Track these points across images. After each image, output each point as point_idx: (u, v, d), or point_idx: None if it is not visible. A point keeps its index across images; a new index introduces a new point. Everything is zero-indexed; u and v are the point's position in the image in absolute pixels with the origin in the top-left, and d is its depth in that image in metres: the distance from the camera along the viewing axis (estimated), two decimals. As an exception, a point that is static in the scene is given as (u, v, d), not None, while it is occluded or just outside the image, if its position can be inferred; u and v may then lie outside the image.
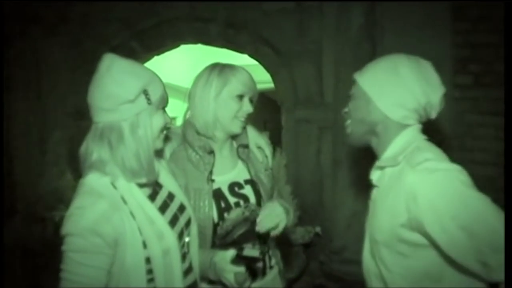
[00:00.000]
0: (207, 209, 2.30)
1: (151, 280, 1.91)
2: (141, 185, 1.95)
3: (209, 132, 2.34)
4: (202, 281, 2.28)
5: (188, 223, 2.12)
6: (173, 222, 2.03)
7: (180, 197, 2.14)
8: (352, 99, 2.04)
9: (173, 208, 2.07)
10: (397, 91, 1.92)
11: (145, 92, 1.85)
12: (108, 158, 1.86)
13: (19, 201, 4.54)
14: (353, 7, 4.11)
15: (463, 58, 3.91)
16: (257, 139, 2.54)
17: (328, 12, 4.30)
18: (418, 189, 1.77)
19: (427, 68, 2.00)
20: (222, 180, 2.37)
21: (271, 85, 4.97)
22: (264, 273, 2.40)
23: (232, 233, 2.34)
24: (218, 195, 2.33)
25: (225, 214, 2.32)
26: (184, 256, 2.07)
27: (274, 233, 2.26)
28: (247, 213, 2.35)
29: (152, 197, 2.00)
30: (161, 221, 1.96)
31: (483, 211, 1.72)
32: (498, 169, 3.77)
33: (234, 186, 2.38)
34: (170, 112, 2.03)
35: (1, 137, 4.36)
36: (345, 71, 3.79)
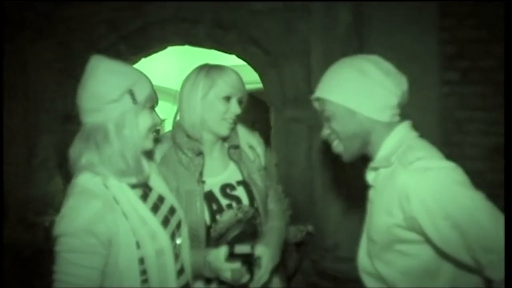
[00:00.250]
0: (199, 211, 2.29)
1: (145, 281, 1.91)
2: (132, 186, 1.94)
3: (197, 134, 2.33)
4: (198, 279, 2.29)
5: (179, 225, 2.12)
6: (164, 224, 2.02)
7: (170, 200, 2.14)
8: (331, 119, 1.96)
9: (163, 210, 2.07)
10: (376, 93, 1.90)
11: (130, 92, 1.85)
12: (96, 158, 1.86)
13: (8, 207, 4.51)
14: (340, 6, 4.12)
15: (450, 55, 3.93)
16: (248, 139, 2.53)
17: (315, 12, 4.30)
18: (410, 190, 1.76)
19: (382, 61, 1.98)
20: (213, 182, 2.37)
21: (259, 85, 4.97)
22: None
23: (226, 236, 2.33)
24: (209, 197, 2.33)
25: (218, 216, 2.32)
26: (176, 258, 2.06)
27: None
28: (240, 215, 2.35)
29: (143, 198, 2.00)
30: (154, 222, 1.96)
31: (475, 211, 1.70)
32: (486, 164, 3.79)
33: (226, 188, 2.37)
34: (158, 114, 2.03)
35: (0, 139, 4.36)
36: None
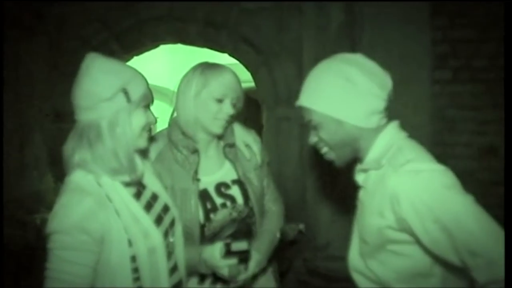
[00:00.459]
0: (194, 209, 2.29)
1: (137, 279, 1.90)
2: (125, 184, 1.94)
3: (191, 132, 2.33)
4: (192, 275, 2.29)
5: (172, 224, 2.12)
6: (157, 222, 2.02)
7: (164, 198, 2.14)
8: (318, 128, 1.94)
9: (157, 208, 2.07)
10: (363, 100, 1.88)
11: (124, 91, 1.85)
12: (88, 156, 1.86)
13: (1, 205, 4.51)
14: (332, 5, 4.12)
15: (442, 54, 3.94)
16: (244, 137, 2.51)
17: (307, 10, 4.30)
18: (401, 192, 1.77)
19: (365, 61, 1.96)
20: (208, 181, 2.36)
21: (251, 84, 4.97)
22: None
23: (220, 234, 2.33)
24: (204, 196, 2.32)
25: (212, 215, 2.31)
26: (169, 256, 2.05)
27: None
28: (234, 214, 2.34)
29: (136, 197, 2.00)
30: (146, 220, 1.95)
31: (463, 215, 1.72)
32: (478, 163, 3.80)
33: (220, 187, 2.37)
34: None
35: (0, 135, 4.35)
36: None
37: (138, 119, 1.92)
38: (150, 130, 2.03)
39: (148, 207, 2.03)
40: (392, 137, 1.93)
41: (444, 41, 3.93)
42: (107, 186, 1.89)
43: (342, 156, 1.97)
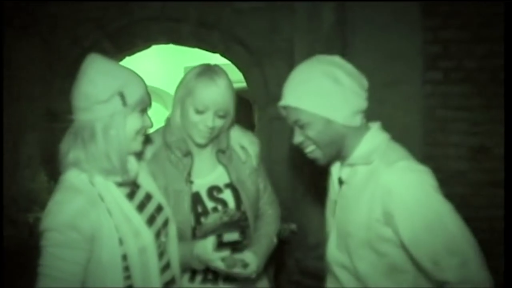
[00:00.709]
0: (186, 211, 2.29)
1: (127, 277, 1.93)
2: (118, 184, 1.96)
3: (180, 134, 2.33)
4: (185, 271, 2.32)
5: (165, 224, 2.14)
6: (149, 221, 2.04)
7: (158, 198, 2.16)
8: (306, 127, 1.98)
9: (150, 208, 2.09)
10: (349, 100, 1.94)
11: (121, 94, 1.87)
12: (82, 156, 1.89)
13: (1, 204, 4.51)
14: (324, 5, 4.12)
15: (433, 54, 3.95)
16: (240, 139, 2.48)
17: (299, 11, 4.31)
18: (394, 186, 1.85)
19: (344, 63, 2.02)
20: (201, 183, 2.35)
21: (243, 84, 4.96)
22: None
23: (212, 234, 2.33)
24: (195, 199, 2.32)
25: (202, 219, 2.32)
26: (160, 255, 2.07)
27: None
28: (225, 218, 2.34)
29: (130, 196, 2.03)
30: (138, 220, 1.98)
31: (446, 216, 1.84)
32: (469, 164, 3.82)
33: (213, 190, 2.36)
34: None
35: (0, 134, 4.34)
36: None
37: (133, 123, 1.93)
38: (145, 133, 2.05)
39: (141, 207, 2.05)
40: (380, 135, 2.02)
41: (436, 41, 3.94)
42: (100, 185, 1.91)
43: (328, 154, 2.02)
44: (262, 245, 2.40)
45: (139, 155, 2.14)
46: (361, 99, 1.97)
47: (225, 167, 2.40)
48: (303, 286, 4.38)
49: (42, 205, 1.89)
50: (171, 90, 8.43)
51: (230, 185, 2.39)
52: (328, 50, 3.96)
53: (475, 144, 3.82)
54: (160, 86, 7.57)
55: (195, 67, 2.33)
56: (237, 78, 4.83)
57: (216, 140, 2.39)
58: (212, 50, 4.89)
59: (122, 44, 4.81)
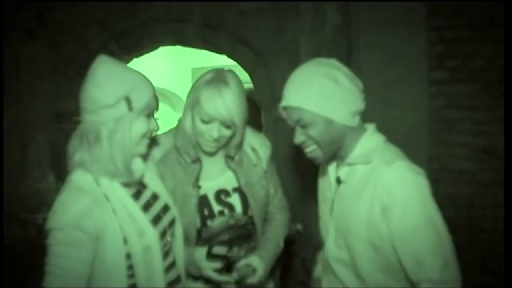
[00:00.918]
0: (192, 214, 2.30)
1: (131, 276, 1.95)
2: (124, 184, 1.98)
3: (188, 140, 2.33)
4: (188, 278, 2.33)
5: (171, 223, 2.15)
6: (155, 221, 2.06)
7: (165, 198, 2.17)
8: (308, 127, 2.02)
9: (156, 208, 2.10)
10: (349, 100, 2.00)
11: (127, 99, 1.88)
12: (87, 157, 1.91)
13: (1, 205, 4.53)
14: (328, 6, 4.12)
15: (439, 54, 3.94)
16: (251, 141, 2.47)
17: (304, 11, 4.31)
18: (393, 184, 1.94)
19: (341, 66, 2.09)
20: (209, 187, 2.36)
21: (250, 85, 4.97)
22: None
23: (216, 238, 2.34)
24: (203, 202, 2.33)
25: (208, 222, 2.32)
26: (165, 255, 2.10)
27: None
28: (231, 222, 2.35)
29: (136, 196, 2.05)
30: (143, 219, 2.00)
31: (435, 218, 1.95)
32: (475, 163, 3.81)
33: (220, 194, 2.37)
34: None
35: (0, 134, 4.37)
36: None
37: (138, 127, 1.94)
38: (150, 136, 2.06)
39: (147, 206, 2.07)
40: (377, 136, 2.10)
41: (441, 41, 3.93)
42: (105, 185, 1.94)
43: (328, 153, 2.07)
44: (269, 249, 2.41)
45: (146, 155, 2.15)
46: (359, 100, 2.03)
47: (234, 171, 2.40)
48: (309, 286, 4.38)
49: (50, 206, 1.92)
50: (179, 91, 8.41)
51: (238, 189, 2.39)
52: (333, 50, 3.98)
53: (481, 143, 3.81)
54: (168, 87, 7.56)
55: (207, 73, 2.28)
56: (244, 79, 4.84)
57: (226, 146, 2.37)
58: (218, 51, 4.89)
59: (128, 46, 4.82)
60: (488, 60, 3.79)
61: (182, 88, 7.47)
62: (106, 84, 1.86)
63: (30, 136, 4.68)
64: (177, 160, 2.35)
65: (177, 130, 2.38)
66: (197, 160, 2.34)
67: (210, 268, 2.23)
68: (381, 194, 1.95)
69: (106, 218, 1.90)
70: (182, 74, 7.51)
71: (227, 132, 2.25)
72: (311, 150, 2.09)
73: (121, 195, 1.98)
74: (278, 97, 4.67)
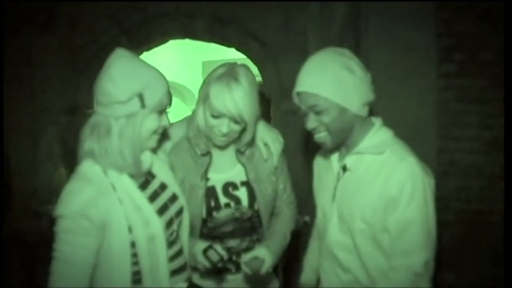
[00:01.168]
0: (198, 205, 2.32)
1: (135, 263, 1.99)
2: (131, 175, 2.00)
3: (200, 132, 2.33)
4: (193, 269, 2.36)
5: (179, 213, 2.17)
6: (162, 211, 2.09)
7: (173, 188, 2.19)
8: (322, 113, 2.04)
9: (163, 197, 2.12)
10: (361, 90, 2.03)
11: (140, 96, 1.89)
12: (96, 148, 1.94)
13: (14, 197, 4.61)
14: (337, -1, 4.13)
15: (447, 47, 3.92)
16: (263, 135, 2.47)
17: (312, 4, 4.31)
18: (405, 178, 2.00)
19: (354, 56, 2.11)
20: (217, 179, 2.37)
21: (259, 78, 4.98)
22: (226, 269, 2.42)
23: (220, 228, 2.36)
24: (210, 193, 2.34)
25: (214, 213, 2.34)
26: (171, 244, 2.13)
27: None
28: (237, 215, 2.37)
29: (144, 186, 2.07)
30: (149, 209, 2.03)
31: (430, 217, 2.03)
32: (484, 157, 3.81)
33: (228, 187, 2.38)
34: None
35: (1, 133, 4.41)
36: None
37: (150, 123, 1.96)
38: (162, 132, 2.07)
39: (154, 196, 2.10)
40: (386, 129, 2.16)
41: (450, 34, 3.92)
42: (113, 176, 1.98)
43: (336, 140, 2.11)
44: (275, 241, 2.42)
45: (156, 146, 2.17)
46: (370, 90, 2.07)
47: (244, 165, 2.41)
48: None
49: (62, 198, 1.95)
50: (190, 85, 8.42)
51: (247, 183, 2.41)
52: (341, 43, 3.98)
53: (489, 137, 3.81)
54: (179, 81, 7.58)
55: (219, 67, 2.27)
56: (254, 72, 4.85)
57: (238, 140, 2.38)
58: (227, 44, 4.90)
59: (139, 39, 4.84)
60: (496, 54, 3.78)
61: (192, 81, 7.50)
62: (121, 80, 1.88)
63: (41, 129, 4.74)
64: (188, 150, 2.37)
65: (190, 121, 2.39)
66: (207, 154, 2.35)
67: (202, 265, 2.25)
68: (391, 185, 2.00)
69: (112, 208, 1.93)
70: (192, 67, 7.53)
71: (236, 127, 2.26)
72: (321, 136, 2.12)
73: (128, 185, 2.01)
74: (286, 91, 4.70)
